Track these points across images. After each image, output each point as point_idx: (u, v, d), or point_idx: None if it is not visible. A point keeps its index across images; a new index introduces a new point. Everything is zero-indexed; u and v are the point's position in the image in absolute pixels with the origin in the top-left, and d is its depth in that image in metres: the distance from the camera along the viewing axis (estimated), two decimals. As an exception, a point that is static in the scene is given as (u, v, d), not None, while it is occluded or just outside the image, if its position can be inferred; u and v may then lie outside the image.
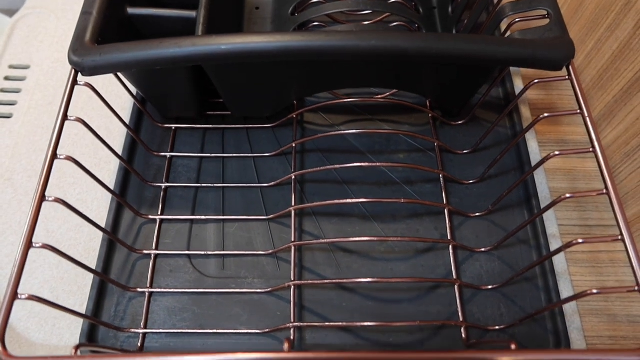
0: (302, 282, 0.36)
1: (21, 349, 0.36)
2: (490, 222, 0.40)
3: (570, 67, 0.34)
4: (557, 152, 0.31)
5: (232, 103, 0.41)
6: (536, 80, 0.35)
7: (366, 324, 0.35)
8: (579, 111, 0.32)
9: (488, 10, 0.44)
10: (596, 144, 0.31)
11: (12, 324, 0.37)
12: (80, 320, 0.36)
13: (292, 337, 0.34)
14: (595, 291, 0.27)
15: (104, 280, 0.36)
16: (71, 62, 0.33)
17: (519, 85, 0.47)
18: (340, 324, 0.35)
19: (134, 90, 0.40)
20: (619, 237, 0.28)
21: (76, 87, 0.33)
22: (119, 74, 0.38)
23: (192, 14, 0.39)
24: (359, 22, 0.48)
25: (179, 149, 0.43)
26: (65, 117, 0.32)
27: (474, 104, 0.43)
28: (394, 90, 0.44)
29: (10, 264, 0.39)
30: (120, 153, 0.40)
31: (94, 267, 0.37)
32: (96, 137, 0.34)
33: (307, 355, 0.24)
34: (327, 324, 0.36)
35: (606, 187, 0.29)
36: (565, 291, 0.38)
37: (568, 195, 0.30)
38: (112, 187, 0.40)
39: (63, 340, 0.36)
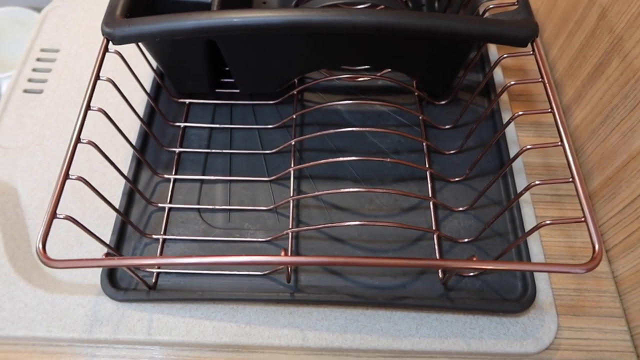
0: (299, 229, 0.41)
1: (48, 286, 0.40)
2: (468, 186, 0.45)
3: (535, 44, 0.39)
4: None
5: (241, 79, 0.47)
6: (505, 55, 0.40)
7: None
8: (540, 80, 0.38)
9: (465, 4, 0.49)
10: (554, 106, 0.36)
11: (41, 265, 0.41)
12: (101, 262, 0.41)
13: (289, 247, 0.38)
14: (548, 222, 0.32)
15: (125, 222, 0.40)
16: (104, 32, 0.39)
17: (497, 73, 0.53)
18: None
19: (154, 65, 0.46)
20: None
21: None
22: (143, 48, 0.43)
23: (207, 0, 0.45)
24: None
25: (191, 121, 0.48)
26: (97, 77, 0.37)
27: (455, 86, 0.48)
28: (386, 71, 0.49)
29: (39, 215, 0.44)
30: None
31: (114, 219, 0.42)
32: (123, 99, 0.40)
33: (301, 259, 0.28)
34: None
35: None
36: (535, 247, 0.42)
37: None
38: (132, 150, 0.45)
39: (86, 280, 0.40)
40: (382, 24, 0.37)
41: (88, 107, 0.36)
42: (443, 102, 0.49)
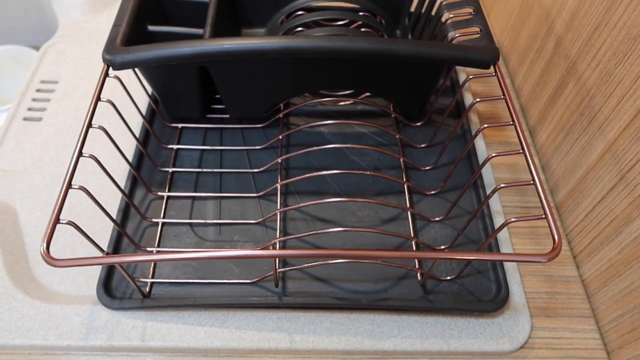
0: (285, 238, 0.43)
1: (45, 297, 0.42)
2: (443, 198, 0.48)
3: (497, 67, 0.44)
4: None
5: (230, 104, 0.50)
6: (471, 76, 0.44)
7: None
8: (502, 97, 0.42)
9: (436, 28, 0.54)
10: (515, 120, 0.40)
11: (38, 279, 0.43)
12: (96, 274, 0.42)
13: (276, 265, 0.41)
14: (513, 219, 0.35)
15: (121, 234, 0.42)
16: (104, 59, 0.42)
17: (468, 98, 0.57)
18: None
19: (149, 92, 0.49)
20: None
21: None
22: (139, 75, 0.47)
23: (199, 31, 0.49)
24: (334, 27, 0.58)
25: (183, 143, 0.51)
26: (98, 98, 0.40)
27: (428, 109, 0.52)
28: (365, 95, 0.53)
29: (36, 233, 0.46)
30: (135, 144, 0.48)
31: (109, 234, 0.44)
32: (122, 120, 0.43)
33: (288, 252, 0.31)
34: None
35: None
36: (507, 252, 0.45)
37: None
38: (127, 169, 0.48)
39: (81, 291, 0.42)
40: (362, 48, 0.41)
41: (90, 125, 0.39)
42: (418, 124, 0.53)
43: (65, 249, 0.44)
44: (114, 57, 0.42)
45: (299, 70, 0.46)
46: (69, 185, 0.35)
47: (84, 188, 0.36)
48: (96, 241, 0.36)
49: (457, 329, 0.41)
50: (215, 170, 0.49)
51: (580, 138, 0.47)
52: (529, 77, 0.57)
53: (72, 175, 0.35)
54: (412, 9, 0.59)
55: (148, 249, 0.44)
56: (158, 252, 0.43)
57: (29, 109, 0.55)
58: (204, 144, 0.51)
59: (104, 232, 0.45)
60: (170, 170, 0.49)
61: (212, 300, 0.40)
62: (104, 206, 0.37)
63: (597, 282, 0.44)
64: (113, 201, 0.47)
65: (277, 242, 0.43)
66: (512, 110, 0.39)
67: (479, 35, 0.46)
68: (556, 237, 0.33)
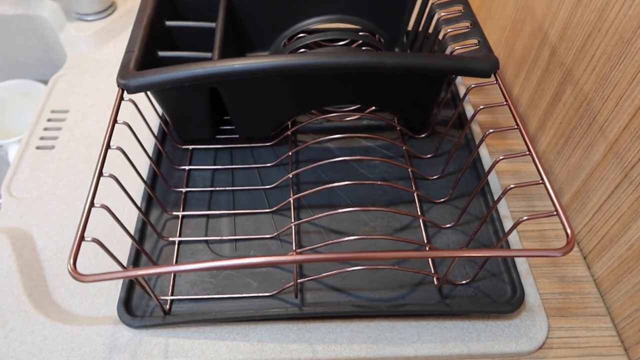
0: (302, 250, 0.44)
1: (66, 319, 0.42)
2: (452, 206, 0.49)
3: (497, 75, 0.45)
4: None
5: (240, 123, 0.52)
6: (473, 85, 0.46)
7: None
8: (505, 103, 0.43)
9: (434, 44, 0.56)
10: (520, 125, 0.41)
11: (58, 301, 0.43)
12: (115, 294, 0.43)
13: (294, 268, 0.41)
14: (525, 218, 0.36)
15: (140, 251, 0.43)
16: (119, 84, 0.44)
17: (468, 109, 0.59)
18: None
19: (160, 115, 0.51)
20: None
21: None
22: (151, 98, 0.48)
23: (207, 54, 0.51)
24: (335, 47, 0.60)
25: (195, 164, 0.52)
26: (115, 121, 0.42)
27: (432, 121, 0.54)
28: (370, 110, 0.55)
29: (54, 257, 0.46)
30: (148, 165, 0.49)
31: (126, 255, 0.45)
32: (137, 142, 0.44)
33: (310, 257, 0.31)
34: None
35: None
36: (518, 259, 0.46)
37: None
38: (141, 191, 0.49)
39: (101, 312, 0.42)
40: (368, 62, 0.43)
41: (108, 146, 0.40)
42: (423, 135, 0.55)
43: (83, 271, 0.45)
44: (129, 81, 0.43)
45: (305, 88, 0.48)
46: (92, 204, 0.36)
47: (106, 206, 0.36)
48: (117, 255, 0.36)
49: (476, 332, 0.42)
50: (227, 188, 0.50)
51: (582, 141, 0.48)
52: (526, 87, 0.59)
53: (94, 194, 0.36)
54: (410, 27, 0.61)
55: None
56: (175, 278, 0.44)
57: (41, 138, 0.56)
58: (215, 164, 0.53)
59: (121, 253, 0.45)
60: (184, 190, 0.50)
61: (233, 314, 0.41)
62: (120, 228, 0.38)
63: (610, 280, 0.45)
64: (129, 222, 0.47)
65: (295, 254, 0.43)
66: (514, 114, 0.41)
67: (477, 46, 0.47)
68: (569, 231, 0.34)
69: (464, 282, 0.43)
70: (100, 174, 0.38)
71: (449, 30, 0.50)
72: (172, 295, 0.42)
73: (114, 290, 0.44)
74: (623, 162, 0.43)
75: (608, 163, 0.45)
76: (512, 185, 0.38)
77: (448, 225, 0.47)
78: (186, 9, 0.57)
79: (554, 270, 0.47)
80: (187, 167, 0.52)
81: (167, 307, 0.42)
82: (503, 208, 0.50)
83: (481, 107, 0.44)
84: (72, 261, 0.32)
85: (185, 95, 0.47)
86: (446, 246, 0.46)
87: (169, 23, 0.54)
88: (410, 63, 0.44)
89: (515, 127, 0.41)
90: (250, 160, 0.53)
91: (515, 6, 0.61)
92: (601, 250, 0.46)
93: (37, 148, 0.55)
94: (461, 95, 0.59)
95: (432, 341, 0.41)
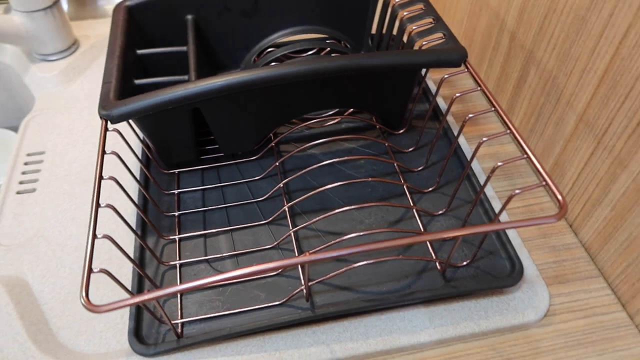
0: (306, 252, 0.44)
1: (76, 359, 0.41)
2: (441, 193, 0.51)
3: (467, 63, 0.47)
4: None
5: (223, 140, 0.52)
6: (446, 76, 0.48)
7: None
8: (479, 88, 0.45)
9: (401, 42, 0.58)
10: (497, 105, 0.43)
11: (64, 343, 0.42)
12: (122, 327, 0.42)
13: (301, 275, 0.42)
14: (518, 191, 0.37)
15: (143, 277, 0.43)
16: (101, 115, 0.43)
17: (440, 102, 0.61)
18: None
19: (142, 142, 0.51)
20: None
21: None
22: (134, 127, 0.48)
23: (184, 77, 0.51)
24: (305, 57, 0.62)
25: (183, 187, 0.52)
26: (104, 152, 0.41)
27: (408, 116, 0.56)
28: (348, 112, 0.56)
29: (54, 299, 0.45)
30: (137, 192, 0.49)
31: (128, 283, 0.44)
32: (129, 173, 0.44)
33: (318, 256, 0.32)
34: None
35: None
36: (511, 232, 0.48)
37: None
38: (134, 219, 0.49)
39: (111, 347, 0.42)
40: (347, 65, 0.44)
41: (101, 177, 0.40)
42: (401, 131, 0.56)
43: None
44: (111, 111, 0.43)
45: (284, 98, 0.49)
46: (95, 236, 0.36)
47: (109, 236, 0.36)
48: (118, 289, 0.36)
49: (484, 310, 0.43)
50: (220, 206, 0.50)
51: (552, 117, 0.51)
52: (490, 74, 0.62)
53: (95, 226, 0.36)
54: (374, 30, 0.63)
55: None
56: (182, 301, 0.44)
57: (21, 183, 0.55)
58: (203, 184, 0.53)
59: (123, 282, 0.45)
60: (177, 213, 0.50)
61: (248, 326, 0.41)
62: (119, 257, 0.38)
63: (598, 242, 0.47)
64: (127, 251, 0.47)
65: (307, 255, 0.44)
66: (490, 95, 0.43)
67: (443, 39, 0.50)
68: (560, 197, 0.36)
69: (464, 263, 0.45)
70: (98, 205, 0.38)
71: (413, 27, 0.52)
72: (181, 318, 0.42)
73: (120, 322, 0.43)
74: (594, 130, 0.45)
75: (580, 133, 0.47)
76: (499, 163, 0.40)
77: (440, 212, 0.49)
78: (154, 36, 0.57)
79: (544, 242, 0.49)
80: (176, 191, 0.52)
81: (179, 330, 0.41)
82: (488, 189, 0.52)
83: (457, 94, 0.46)
84: (84, 294, 0.32)
85: (168, 119, 0.47)
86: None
87: (140, 51, 0.54)
88: (386, 61, 0.46)
89: (492, 109, 0.43)
90: (238, 176, 0.53)
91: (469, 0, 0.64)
92: (585, 216, 0.48)
93: (18, 193, 0.54)
94: (432, 90, 0.61)
95: (444, 324, 0.42)
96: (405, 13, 0.54)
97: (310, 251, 0.45)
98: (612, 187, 0.44)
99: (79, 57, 0.68)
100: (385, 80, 0.50)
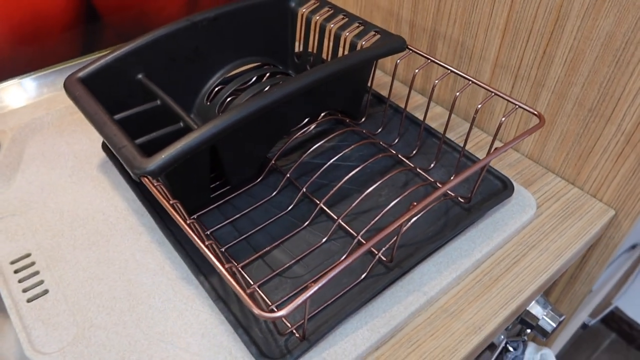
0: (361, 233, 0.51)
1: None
2: (422, 154, 0.62)
3: (410, 47, 0.59)
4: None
5: (232, 171, 0.55)
6: (398, 60, 0.59)
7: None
8: (430, 60, 0.57)
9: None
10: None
11: (193, 399, 0.41)
12: (235, 353, 0.43)
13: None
14: (503, 119, 0.50)
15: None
16: (140, 173, 0.43)
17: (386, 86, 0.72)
18: None
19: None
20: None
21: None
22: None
23: (179, 125, 0.53)
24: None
25: (211, 226, 0.54)
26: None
27: (364, 107, 0.66)
28: (322, 116, 0.64)
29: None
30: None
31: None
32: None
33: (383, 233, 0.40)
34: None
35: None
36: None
37: (479, 106, 0.52)
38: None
39: (240, 380, 0.42)
40: (331, 72, 0.52)
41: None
42: (362, 120, 0.66)
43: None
44: (150, 168, 0.44)
45: (278, 117, 0.54)
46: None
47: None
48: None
49: (492, 224, 0.54)
50: (257, 228, 0.53)
51: (468, 72, 0.66)
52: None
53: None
54: (298, 48, 0.71)
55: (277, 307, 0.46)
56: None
57: (24, 291, 0.50)
58: (227, 219, 0.55)
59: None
60: (223, 249, 0.51)
61: (359, 299, 0.46)
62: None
63: (537, 150, 0.63)
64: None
65: (360, 237, 0.50)
66: (442, 64, 0.55)
67: (379, 35, 0.61)
68: (535, 112, 0.49)
69: (469, 195, 0.56)
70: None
71: (347, 34, 0.62)
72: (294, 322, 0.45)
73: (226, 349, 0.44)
74: (509, 69, 0.61)
75: (498, 76, 0.63)
76: (479, 105, 0.52)
77: (432, 166, 0.59)
78: (112, 101, 0.57)
79: (504, 162, 0.64)
80: (207, 232, 0.53)
81: (302, 332, 0.44)
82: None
83: (416, 70, 0.57)
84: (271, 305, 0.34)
85: (190, 163, 0.49)
86: (440, 180, 0.58)
87: (117, 117, 0.54)
88: (353, 61, 0.55)
89: (449, 72, 0.56)
90: (253, 201, 0.57)
91: (357, 6, 0.77)
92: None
93: (29, 301, 0.49)
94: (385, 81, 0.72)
95: (484, 240, 0.53)
96: (332, 25, 0.64)
97: (362, 231, 0.52)
98: (537, 104, 0.60)
99: (6, 154, 0.63)
100: (349, 80, 0.59)
